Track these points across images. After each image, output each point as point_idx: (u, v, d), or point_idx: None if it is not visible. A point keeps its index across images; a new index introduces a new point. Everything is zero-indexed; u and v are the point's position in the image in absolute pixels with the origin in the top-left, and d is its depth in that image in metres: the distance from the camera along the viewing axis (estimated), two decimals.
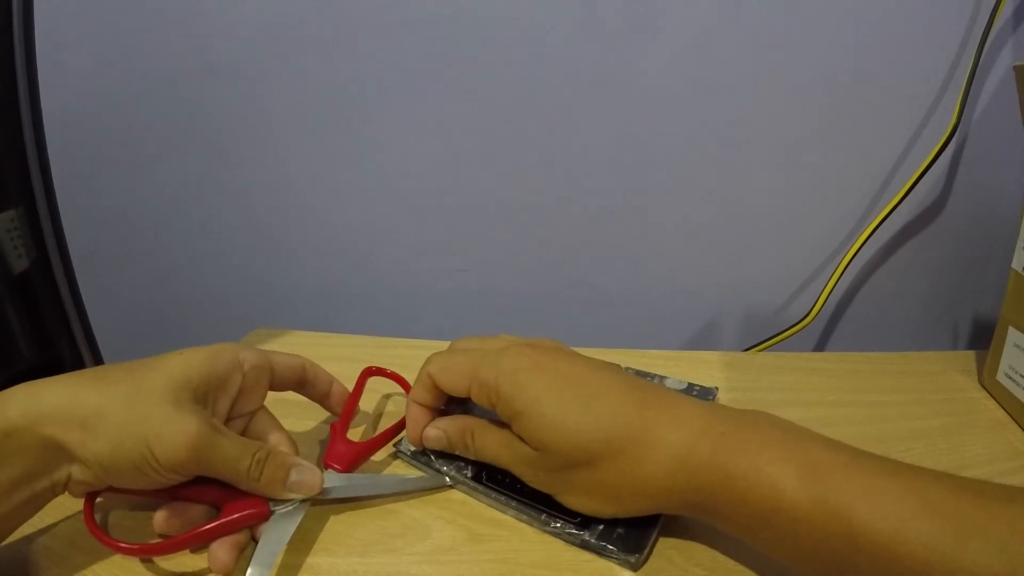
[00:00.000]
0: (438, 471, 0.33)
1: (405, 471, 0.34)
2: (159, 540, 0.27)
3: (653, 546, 0.28)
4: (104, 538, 0.26)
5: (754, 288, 0.57)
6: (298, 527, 0.28)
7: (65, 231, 0.46)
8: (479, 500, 0.31)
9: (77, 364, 0.47)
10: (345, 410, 0.35)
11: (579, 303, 0.60)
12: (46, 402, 0.24)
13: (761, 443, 0.24)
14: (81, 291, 0.48)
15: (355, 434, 0.36)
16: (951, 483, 0.21)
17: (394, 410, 0.40)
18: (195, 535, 0.27)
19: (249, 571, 0.25)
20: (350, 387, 0.37)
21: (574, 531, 0.28)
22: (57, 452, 0.24)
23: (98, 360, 0.49)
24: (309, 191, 0.59)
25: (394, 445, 0.35)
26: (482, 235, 0.58)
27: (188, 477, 0.26)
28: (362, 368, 0.39)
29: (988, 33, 0.45)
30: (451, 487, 0.32)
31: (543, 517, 0.29)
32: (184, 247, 0.64)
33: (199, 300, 0.66)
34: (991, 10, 0.45)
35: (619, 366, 0.31)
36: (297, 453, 0.31)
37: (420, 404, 0.32)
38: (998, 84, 0.48)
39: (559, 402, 0.27)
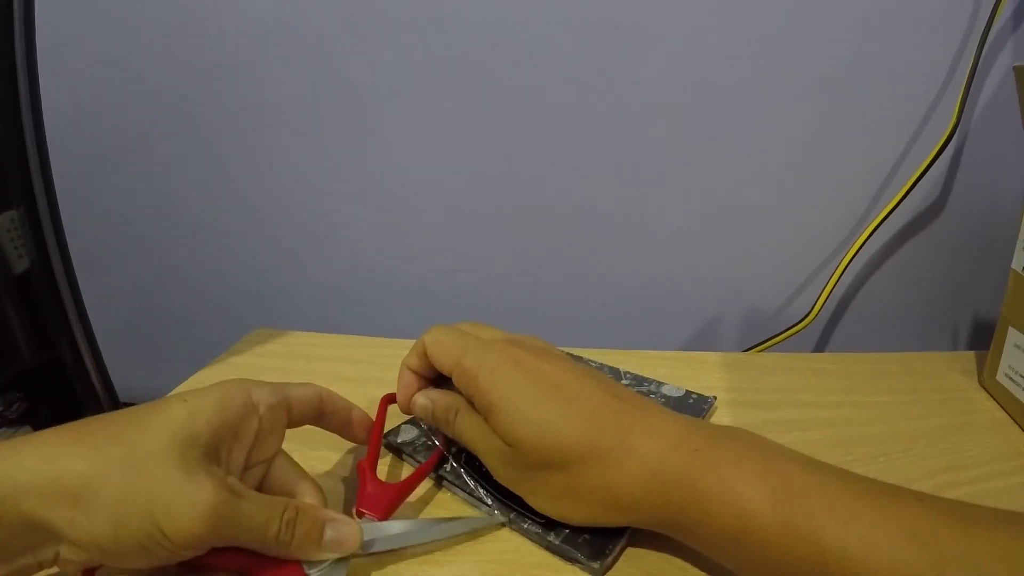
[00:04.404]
0: (420, 464, 0.32)
1: (441, 507, 0.32)
2: None
3: (620, 553, 0.28)
4: None
5: (754, 288, 0.57)
6: None
7: (65, 231, 0.46)
8: (452, 491, 0.31)
9: (77, 364, 0.47)
10: (371, 445, 0.31)
11: (578, 303, 0.60)
12: (25, 470, 0.20)
13: (734, 460, 0.24)
14: (81, 291, 0.48)
15: (383, 471, 0.34)
16: (932, 506, 0.21)
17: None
18: None
19: None
20: (367, 408, 0.33)
21: (540, 532, 0.28)
22: (41, 531, 0.20)
23: (98, 360, 0.49)
24: (309, 191, 0.59)
25: (434, 471, 0.32)
26: (481, 235, 0.58)
27: (204, 551, 0.22)
28: (362, 372, 0.39)
29: (988, 33, 0.45)
30: (504, 525, 0.30)
31: (512, 515, 0.29)
32: (184, 247, 0.64)
33: (199, 300, 0.66)
34: (991, 10, 0.45)
35: (604, 374, 0.31)
36: (325, 501, 0.28)
37: (411, 370, 0.32)
38: (998, 84, 0.48)
39: (535, 401, 0.26)
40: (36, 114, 0.43)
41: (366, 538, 0.26)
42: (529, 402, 0.26)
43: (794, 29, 0.48)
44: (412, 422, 0.37)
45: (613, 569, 0.27)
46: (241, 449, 0.26)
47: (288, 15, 0.52)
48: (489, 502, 0.30)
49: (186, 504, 0.21)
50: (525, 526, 0.28)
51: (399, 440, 0.35)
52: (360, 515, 0.28)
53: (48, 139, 0.44)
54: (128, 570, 0.24)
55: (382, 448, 0.34)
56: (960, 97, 0.46)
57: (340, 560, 0.25)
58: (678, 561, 0.28)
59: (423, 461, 0.32)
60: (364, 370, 0.44)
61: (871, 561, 0.20)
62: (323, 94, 0.55)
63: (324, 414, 0.30)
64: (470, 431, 0.29)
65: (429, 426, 0.34)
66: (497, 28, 0.51)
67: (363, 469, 0.30)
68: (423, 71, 0.53)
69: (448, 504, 0.32)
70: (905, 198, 0.48)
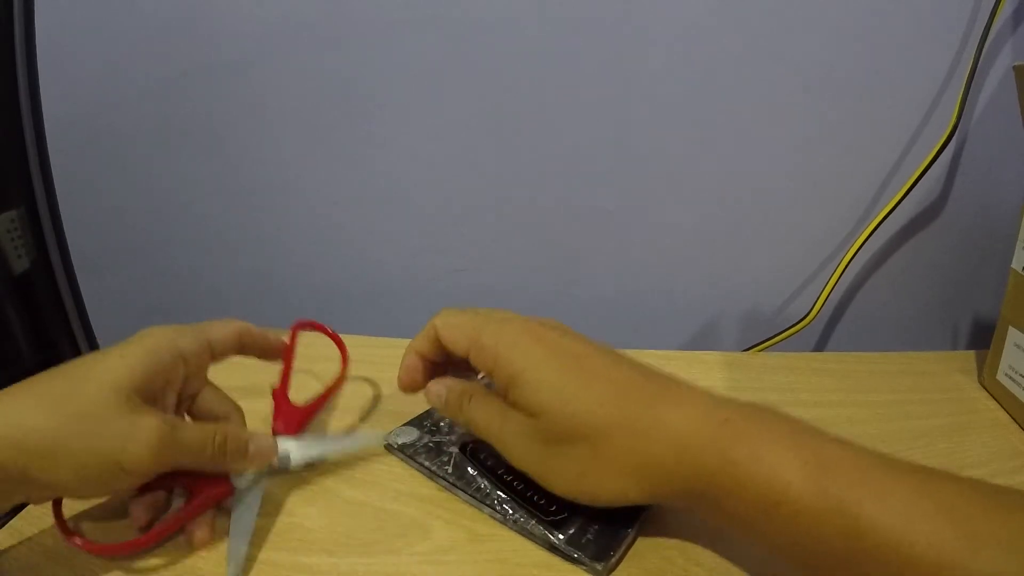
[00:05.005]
0: (421, 465, 0.33)
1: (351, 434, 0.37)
2: (138, 535, 0.28)
3: (624, 553, 0.27)
4: (86, 544, 0.26)
5: (754, 288, 0.57)
6: (297, 527, 0.28)
7: (65, 231, 0.46)
8: (456, 495, 0.31)
9: None
10: (283, 374, 0.35)
11: (578, 303, 0.60)
12: None
13: (766, 431, 0.23)
14: (81, 291, 0.48)
15: (296, 396, 0.36)
16: (966, 486, 0.21)
17: (330, 368, 0.39)
18: (172, 523, 0.28)
19: (229, 570, 0.26)
20: (368, 408, 0.38)
21: (545, 531, 0.28)
22: (11, 479, 0.24)
23: None
24: (309, 191, 0.59)
25: (385, 439, 0.35)
26: (482, 235, 0.58)
27: (153, 477, 0.27)
28: (362, 372, 0.39)
29: (988, 33, 0.45)
30: (388, 448, 0.34)
31: (516, 516, 0.29)
32: (184, 247, 0.64)
33: (199, 300, 0.66)
34: (991, 10, 0.45)
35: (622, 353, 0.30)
36: (244, 420, 0.32)
37: (419, 353, 0.32)
38: (998, 84, 0.48)
39: (560, 370, 0.26)
40: (36, 114, 0.43)
41: (281, 452, 0.31)
42: (553, 371, 0.26)
43: (794, 29, 0.48)
44: (412, 423, 0.37)
45: (614, 569, 0.27)
46: (172, 390, 0.30)
47: (288, 15, 0.52)
48: (496, 500, 0.30)
49: (138, 442, 0.25)
50: (531, 525, 0.28)
51: (399, 442, 0.35)
52: (275, 434, 0.33)
53: (48, 139, 0.44)
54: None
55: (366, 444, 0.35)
56: (960, 97, 0.46)
57: (261, 474, 0.30)
58: (679, 561, 0.28)
59: (424, 464, 0.33)
60: (364, 370, 0.44)
61: (908, 536, 0.19)
62: (324, 94, 0.55)
63: (245, 346, 0.33)
64: (486, 415, 0.29)
65: (419, 448, 0.34)
66: (497, 28, 0.51)
67: (277, 395, 0.35)
68: (423, 71, 0.53)
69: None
70: (905, 198, 0.49)
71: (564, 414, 0.26)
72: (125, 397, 0.26)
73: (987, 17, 0.45)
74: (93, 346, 0.48)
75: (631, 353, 0.44)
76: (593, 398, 0.25)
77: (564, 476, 0.27)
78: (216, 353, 0.32)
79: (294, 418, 0.34)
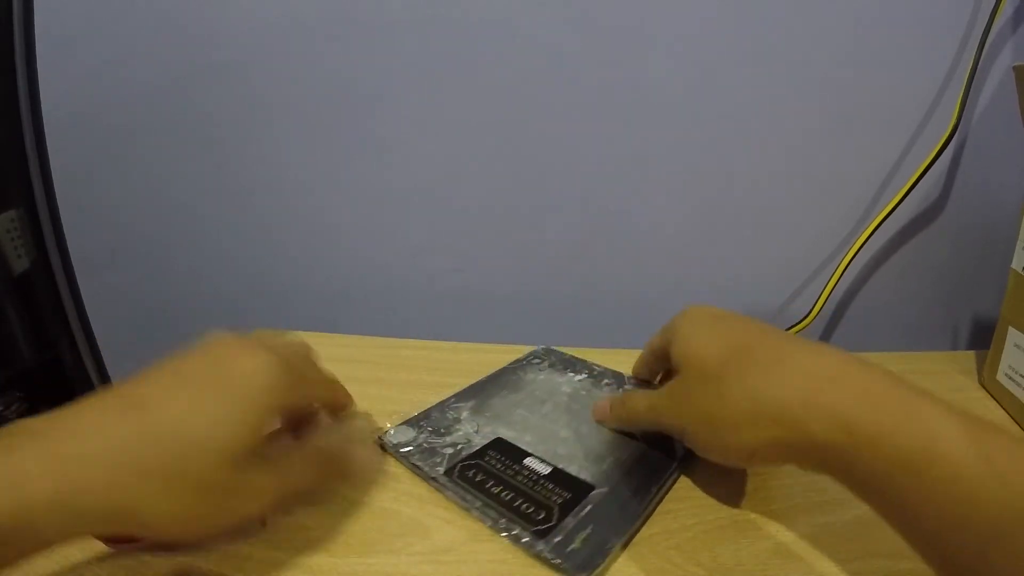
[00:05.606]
0: (414, 465, 0.33)
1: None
2: None
3: (609, 565, 0.27)
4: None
5: (754, 288, 0.57)
6: (297, 527, 0.28)
7: (65, 231, 0.46)
8: (446, 496, 0.32)
9: (77, 364, 0.47)
10: None
11: (578, 303, 0.60)
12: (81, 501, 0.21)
13: (912, 386, 0.21)
14: (81, 291, 0.48)
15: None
16: None
17: (333, 369, 0.37)
18: None
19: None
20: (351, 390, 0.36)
21: (528, 539, 0.28)
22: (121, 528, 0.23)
23: (98, 360, 0.49)
24: (309, 191, 0.59)
25: (379, 436, 0.35)
26: (481, 235, 0.58)
27: None
28: (362, 372, 0.39)
29: (988, 33, 0.45)
30: (381, 447, 0.35)
31: (502, 522, 0.29)
32: (184, 247, 0.64)
33: (199, 300, 0.66)
34: (991, 10, 0.45)
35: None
36: (348, 395, 0.34)
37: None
38: (998, 84, 0.48)
39: (702, 325, 0.30)
40: (36, 114, 0.43)
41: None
42: (696, 326, 0.30)
43: (794, 29, 0.48)
44: (409, 423, 0.37)
45: (613, 568, 0.27)
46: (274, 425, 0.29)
47: (288, 15, 0.52)
48: (482, 504, 0.30)
49: (255, 502, 0.25)
50: (514, 533, 0.28)
51: (394, 441, 0.35)
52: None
53: (48, 139, 0.44)
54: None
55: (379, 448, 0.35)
56: (960, 97, 0.46)
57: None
58: (679, 561, 0.28)
59: (417, 464, 0.33)
60: (364, 370, 0.44)
61: None
62: (323, 94, 0.55)
63: (332, 408, 0.34)
64: (639, 402, 0.32)
65: (414, 448, 0.34)
66: (498, 28, 0.51)
67: None
68: (423, 71, 0.53)
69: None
70: (905, 198, 0.48)
71: (699, 358, 0.27)
72: (233, 463, 0.24)
73: (987, 17, 0.45)
74: (92, 346, 0.48)
75: (631, 353, 0.44)
76: (723, 338, 0.27)
77: (702, 425, 0.27)
78: (314, 407, 0.32)
79: None
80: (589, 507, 0.29)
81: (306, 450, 0.29)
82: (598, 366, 0.44)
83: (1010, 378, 0.39)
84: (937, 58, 0.48)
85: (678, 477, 0.33)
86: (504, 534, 0.29)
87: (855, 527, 0.29)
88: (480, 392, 0.41)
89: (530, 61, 0.51)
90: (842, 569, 0.27)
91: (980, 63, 0.46)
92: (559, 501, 0.30)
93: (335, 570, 0.27)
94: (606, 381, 0.43)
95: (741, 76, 0.50)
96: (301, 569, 0.27)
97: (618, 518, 0.29)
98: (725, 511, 0.31)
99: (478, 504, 0.30)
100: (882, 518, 0.22)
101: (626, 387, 0.41)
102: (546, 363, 0.45)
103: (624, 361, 0.43)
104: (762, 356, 0.26)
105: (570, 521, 0.28)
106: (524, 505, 0.30)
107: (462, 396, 0.40)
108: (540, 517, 0.29)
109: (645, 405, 0.32)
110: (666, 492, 0.32)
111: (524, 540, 0.28)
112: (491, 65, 0.52)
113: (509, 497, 0.30)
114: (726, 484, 0.32)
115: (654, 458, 0.33)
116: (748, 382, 0.25)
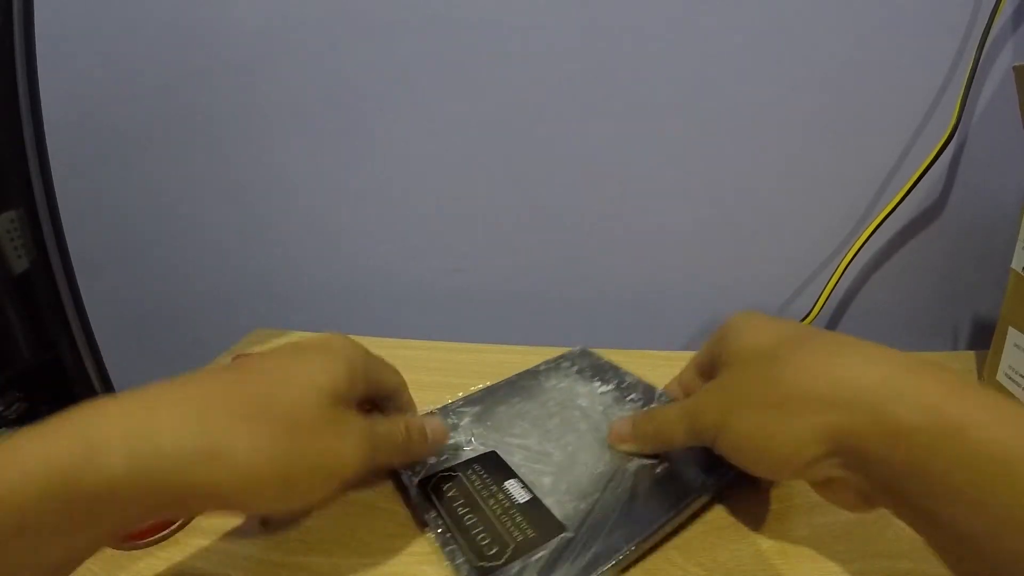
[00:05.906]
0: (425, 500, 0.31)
1: None
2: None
3: None
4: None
5: (754, 288, 0.57)
6: (298, 527, 0.28)
7: (65, 231, 0.46)
8: (415, 505, 0.31)
9: (77, 364, 0.47)
10: None
11: (578, 303, 0.60)
12: (168, 445, 0.20)
13: (974, 386, 0.19)
14: (81, 291, 0.48)
15: None
16: None
17: None
18: None
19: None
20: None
21: (467, 573, 0.26)
22: (198, 495, 0.21)
23: (98, 360, 0.49)
24: (309, 191, 0.59)
25: (401, 477, 0.33)
26: (481, 235, 0.58)
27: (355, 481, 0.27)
28: None
29: (988, 33, 0.45)
30: None
31: (449, 548, 0.27)
32: (184, 247, 0.64)
33: (199, 300, 0.66)
34: (991, 10, 0.45)
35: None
36: (407, 388, 0.33)
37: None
38: (998, 84, 0.48)
39: (749, 326, 0.28)
40: (36, 114, 0.43)
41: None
42: (744, 326, 0.28)
43: (793, 29, 0.48)
44: None
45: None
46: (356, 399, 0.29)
47: (288, 15, 0.52)
48: (438, 525, 0.29)
49: (349, 445, 0.25)
50: (459, 561, 0.27)
51: None
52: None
53: (48, 139, 0.44)
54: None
55: None
56: (960, 97, 0.46)
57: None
58: (679, 561, 0.28)
59: (398, 469, 0.32)
60: None
61: None
62: (323, 94, 0.55)
63: (391, 399, 0.33)
64: (668, 416, 0.30)
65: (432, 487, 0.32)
66: (497, 29, 0.51)
67: None
68: (422, 71, 0.53)
69: None
70: (905, 198, 0.48)
71: (748, 345, 0.26)
72: (320, 402, 0.25)
73: (987, 17, 0.45)
74: (92, 346, 0.48)
75: (631, 353, 0.44)
76: (777, 332, 0.26)
77: (746, 410, 0.24)
78: (373, 392, 0.31)
79: None
80: (544, 554, 0.26)
81: (392, 417, 0.30)
82: (631, 376, 0.41)
83: (1010, 378, 0.38)
84: (937, 58, 0.48)
85: (669, 533, 0.29)
86: (447, 561, 0.27)
87: (855, 527, 0.29)
88: (490, 397, 0.40)
89: (531, 61, 0.51)
90: (842, 569, 0.27)
91: (980, 63, 0.46)
92: (519, 539, 0.27)
93: (335, 570, 0.27)
94: (632, 396, 0.39)
95: (740, 76, 0.50)
96: (300, 569, 0.27)
97: (579, 558, 0.26)
98: (725, 511, 0.31)
99: (439, 523, 0.29)
100: (946, 523, 0.19)
101: (654, 405, 0.37)
102: (575, 368, 0.43)
103: (625, 361, 0.43)
104: (823, 341, 0.24)
105: (516, 566, 0.26)
106: (481, 535, 0.28)
107: (472, 399, 0.40)
108: (491, 553, 0.27)
109: (677, 411, 0.29)
110: (649, 549, 0.28)
111: (463, 572, 0.26)
112: (491, 65, 0.52)
113: (471, 522, 0.29)
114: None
115: (648, 507, 0.29)
116: (808, 361, 0.23)
